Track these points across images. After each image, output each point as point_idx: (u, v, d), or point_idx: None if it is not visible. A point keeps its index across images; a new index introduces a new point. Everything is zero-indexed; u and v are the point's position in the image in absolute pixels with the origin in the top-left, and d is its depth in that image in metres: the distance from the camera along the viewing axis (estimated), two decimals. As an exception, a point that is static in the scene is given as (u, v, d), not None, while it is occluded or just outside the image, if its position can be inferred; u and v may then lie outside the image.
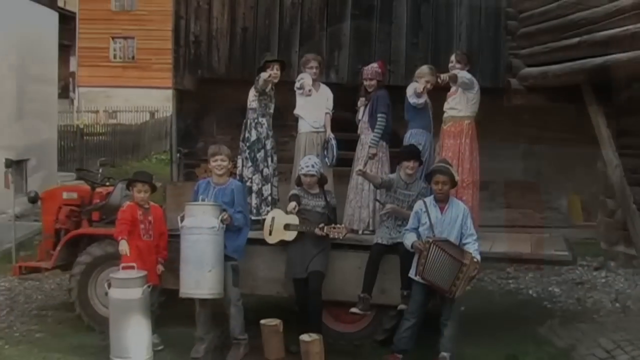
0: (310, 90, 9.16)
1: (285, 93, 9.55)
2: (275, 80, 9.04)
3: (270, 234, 8.27)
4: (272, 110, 9.23)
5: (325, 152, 9.21)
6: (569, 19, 10.52)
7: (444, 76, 8.79)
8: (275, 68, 9.02)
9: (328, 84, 9.73)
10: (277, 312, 8.33)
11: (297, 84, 9.26)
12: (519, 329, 8.96)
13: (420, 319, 7.58)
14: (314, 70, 9.33)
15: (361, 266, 8.20)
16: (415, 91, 8.90)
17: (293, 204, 8.03)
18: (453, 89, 9.05)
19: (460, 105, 9.01)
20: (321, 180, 8.27)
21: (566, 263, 8.87)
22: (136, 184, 8.28)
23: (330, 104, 9.37)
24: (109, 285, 7.91)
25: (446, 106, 9.08)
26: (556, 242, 9.12)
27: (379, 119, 8.98)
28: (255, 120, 9.10)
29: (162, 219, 8.46)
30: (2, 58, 14.60)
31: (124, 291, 7.82)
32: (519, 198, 13.72)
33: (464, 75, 8.90)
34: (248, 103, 9.18)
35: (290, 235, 8.10)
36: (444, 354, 7.51)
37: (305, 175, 8.17)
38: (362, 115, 9.19)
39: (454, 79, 8.84)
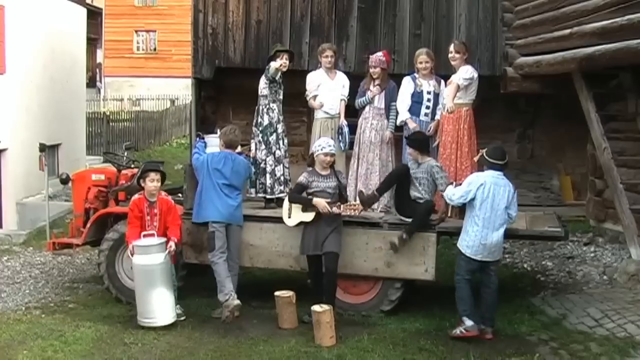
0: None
1: (296, 81, 9.53)
2: (284, 69, 9.01)
3: (289, 217, 8.18)
4: (281, 97, 9.18)
5: (340, 137, 9.17)
6: (561, 11, 10.43)
7: (449, 106, 8.74)
8: (285, 57, 8.98)
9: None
10: (291, 284, 8.37)
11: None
12: (515, 299, 8.97)
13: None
14: (329, 59, 9.31)
15: (369, 242, 8.21)
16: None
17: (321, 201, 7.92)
18: (452, 78, 8.97)
19: (460, 93, 8.94)
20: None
21: (559, 239, 8.84)
22: (148, 173, 8.16)
23: (345, 90, 9.33)
24: (132, 253, 7.92)
25: (445, 93, 9.02)
26: (549, 219, 9.10)
27: (393, 107, 9.08)
28: (267, 106, 9.07)
29: (171, 209, 8.26)
30: (36, 51, 14.61)
31: (147, 257, 7.87)
32: (514, 178, 13.63)
33: (461, 77, 8.77)
34: (259, 90, 9.15)
35: (309, 217, 8.00)
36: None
37: (325, 154, 7.98)
38: (377, 102, 9.12)
39: (457, 88, 8.77)
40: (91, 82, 31.95)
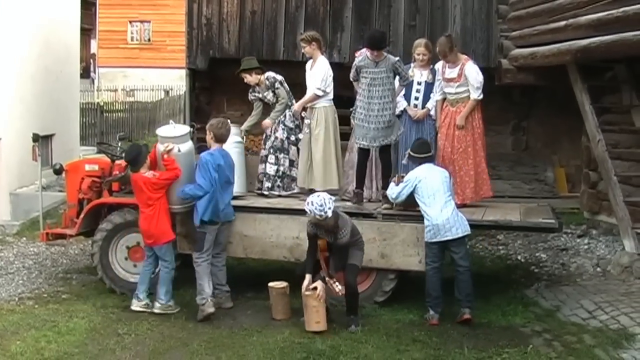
0: None
1: (292, 71, 9.50)
2: (252, 84, 9.36)
3: None
4: (267, 100, 9.39)
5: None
6: (556, 3, 10.43)
7: (461, 124, 8.78)
8: (244, 77, 9.34)
9: (331, 64, 9.54)
10: (285, 275, 8.37)
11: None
12: (508, 291, 9.01)
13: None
14: (304, 49, 9.31)
15: (362, 233, 8.14)
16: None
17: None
18: (455, 75, 8.85)
19: (463, 87, 8.88)
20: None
21: (553, 230, 8.83)
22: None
23: (317, 82, 9.00)
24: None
25: (451, 90, 8.89)
26: (543, 211, 9.11)
27: None
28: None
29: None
30: (29, 41, 14.50)
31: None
32: (508, 170, 13.68)
33: (479, 89, 8.81)
34: None
35: None
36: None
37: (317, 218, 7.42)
38: None
39: (475, 104, 8.84)
40: (85, 73, 31.88)
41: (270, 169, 9.21)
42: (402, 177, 8.26)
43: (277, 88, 9.30)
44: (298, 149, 9.30)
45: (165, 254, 8.21)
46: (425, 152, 8.17)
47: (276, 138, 9.26)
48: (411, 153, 8.22)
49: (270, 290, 8.03)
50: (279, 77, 9.36)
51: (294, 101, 9.38)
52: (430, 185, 7.90)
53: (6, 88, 13.64)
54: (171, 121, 8.84)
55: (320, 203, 7.31)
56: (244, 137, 9.34)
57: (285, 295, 7.99)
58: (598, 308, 7.94)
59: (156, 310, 8.14)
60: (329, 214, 7.32)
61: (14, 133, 13.42)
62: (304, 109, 9.19)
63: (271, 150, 9.27)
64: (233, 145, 8.79)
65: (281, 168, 9.23)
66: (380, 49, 8.45)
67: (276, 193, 9.19)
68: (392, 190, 8.20)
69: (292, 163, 9.27)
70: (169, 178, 8.06)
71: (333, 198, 7.53)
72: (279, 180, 9.23)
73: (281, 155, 9.24)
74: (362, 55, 8.73)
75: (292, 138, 9.35)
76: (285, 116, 9.31)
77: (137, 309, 8.20)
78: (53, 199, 13.12)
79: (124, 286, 8.83)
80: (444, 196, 7.89)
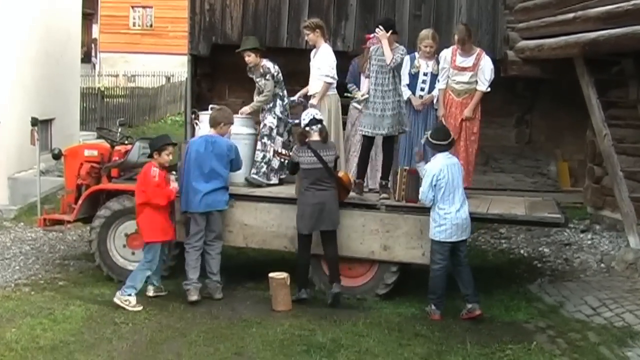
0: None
1: (294, 60, 9.35)
2: (251, 65, 9.17)
3: None
4: (259, 87, 9.24)
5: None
6: (564, -5, 10.32)
7: (468, 114, 8.69)
8: (247, 55, 9.12)
9: (335, 52, 9.42)
10: (285, 265, 8.26)
11: None
12: (511, 286, 8.92)
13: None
14: (307, 37, 9.24)
15: (365, 224, 8.07)
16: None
17: None
18: (470, 64, 8.74)
19: (469, 77, 8.79)
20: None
21: (559, 225, 8.75)
22: (167, 147, 8.04)
23: (324, 70, 9.01)
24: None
25: (463, 79, 8.76)
26: (548, 205, 9.00)
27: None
28: None
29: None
30: (30, 25, 14.37)
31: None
32: (511, 163, 13.56)
33: (488, 82, 8.76)
34: None
35: None
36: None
37: None
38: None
39: (481, 95, 8.80)
40: (86, 58, 31.66)
41: (257, 155, 9.07)
42: (421, 153, 8.21)
43: (267, 80, 9.10)
44: (284, 141, 9.19)
45: (147, 251, 8.00)
46: (441, 138, 7.73)
47: (265, 125, 9.13)
48: (430, 139, 7.78)
49: (270, 280, 7.92)
50: (273, 69, 9.15)
51: (285, 92, 9.26)
52: (451, 181, 7.59)
53: (6, 72, 13.52)
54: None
55: (305, 112, 8.21)
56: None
57: (286, 286, 7.88)
58: (602, 305, 7.84)
59: (115, 299, 7.89)
60: (302, 124, 8.05)
61: (14, 117, 13.30)
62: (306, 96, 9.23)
63: (259, 137, 9.15)
64: (244, 136, 8.82)
65: (267, 155, 9.07)
66: (387, 29, 8.31)
67: (261, 180, 9.03)
68: (422, 195, 7.71)
69: (274, 153, 9.08)
70: None
71: (318, 117, 8.06)
72: (265, 167, 9.06)
73: (268, 142, 9.08)
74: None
75: (281, 129, 9.20)
76: (277, 105, 9.16)
77: (152, 294, 8.11)
78: (51, 184, 13.02)
79: (121, 274, 8.70)
80: (461, 193, 7.68)
